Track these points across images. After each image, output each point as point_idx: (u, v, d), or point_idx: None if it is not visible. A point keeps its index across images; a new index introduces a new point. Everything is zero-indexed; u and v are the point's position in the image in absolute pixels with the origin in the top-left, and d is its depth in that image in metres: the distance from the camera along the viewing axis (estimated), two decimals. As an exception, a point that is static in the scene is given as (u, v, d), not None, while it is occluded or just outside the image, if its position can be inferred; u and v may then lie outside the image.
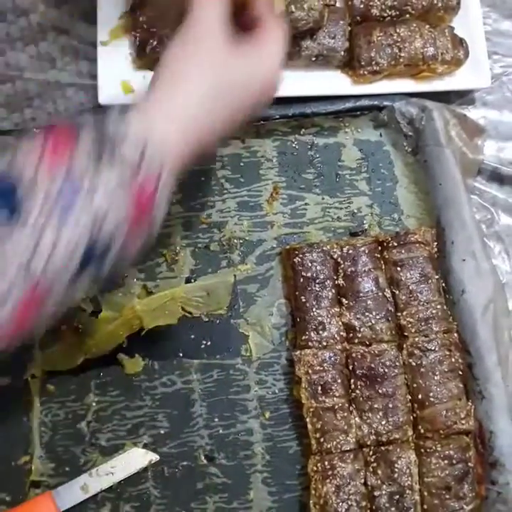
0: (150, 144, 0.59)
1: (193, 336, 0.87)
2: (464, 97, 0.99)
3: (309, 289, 0.84)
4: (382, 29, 0.91)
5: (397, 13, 0.93)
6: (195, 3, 0.65)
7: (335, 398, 0.80)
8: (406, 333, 0.83)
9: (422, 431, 0.80)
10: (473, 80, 0.95)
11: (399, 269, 0.84)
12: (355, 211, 0.91)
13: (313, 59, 0.92)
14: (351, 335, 0.83)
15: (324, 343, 0.82)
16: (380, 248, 0.87)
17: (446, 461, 0.79)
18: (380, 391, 0.80)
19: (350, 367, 0.81)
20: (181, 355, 0.86)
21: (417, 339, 0.82)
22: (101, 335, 0.84)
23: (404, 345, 0.82)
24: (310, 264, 0.84)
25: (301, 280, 0.84)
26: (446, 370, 0.81)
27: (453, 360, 0.82)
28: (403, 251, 0.85)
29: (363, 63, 0.91)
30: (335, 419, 0.79)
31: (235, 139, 0.92)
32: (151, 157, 0.58)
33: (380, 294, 0.83)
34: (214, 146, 0.72)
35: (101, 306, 0.85)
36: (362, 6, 0.93)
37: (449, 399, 0.80)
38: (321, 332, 0.82)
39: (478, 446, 0.81)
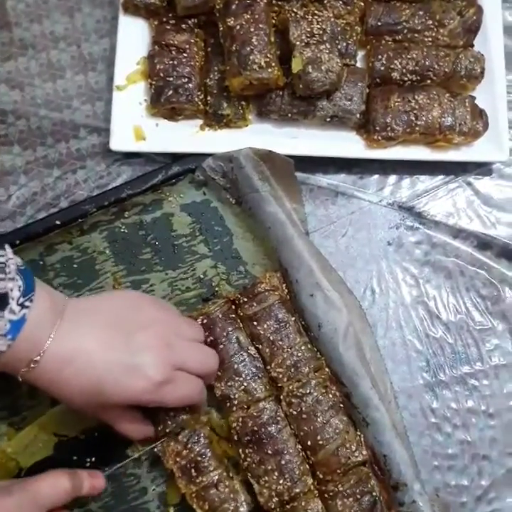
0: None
1: (75, 457, 0.89)
2: (481, 167, 1.03)
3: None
4: (401, 94, 0.98)
5: (419, 78, 1.00)
6: None
7: (210, 473, 0.85)
8: (280, 384, 0.89)
9: (321, 476, 0.86)
10: (490, 153, 1.00)
11: (255, 323, 0.90)
12: (202, 276, 0.96)
13: (328, 120, 0.99)
14: (228, 404, 0.88)
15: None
16: (234, 307, 0.93)
17: (351, 499, 0.84)
18: (269, 451, 0.85)
19: (235, 437, 0.87)
20: (69, 479, 0.88)
21: (290, 387, 0.88)
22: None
23: (281, 397, 0.88)
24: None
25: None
26: (326, 408, 0.87)
27: (331, 395, 0.88)
28: (255, 303, 0.91)
29: (377, 128, 0.98)
30: (218, 492, 0.84)
31: (61, 243, 0.96)
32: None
33: (245, 353, 0.90)
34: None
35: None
36: (383, 68, 1.00)
37: (337, 435, 0.86)
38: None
39: (377, 472, 0.86)
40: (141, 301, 0.84)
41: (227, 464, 0.87)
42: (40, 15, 1.09)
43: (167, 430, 0.85)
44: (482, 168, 1.03)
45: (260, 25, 0.95)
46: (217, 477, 0.85)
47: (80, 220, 0.96)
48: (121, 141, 0.99)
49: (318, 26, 0.96)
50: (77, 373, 0.74)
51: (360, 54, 1.03)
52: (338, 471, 0.85)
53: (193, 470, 0.84)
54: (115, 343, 0.76)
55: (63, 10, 1.10)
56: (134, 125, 1.00)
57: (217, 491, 0.84)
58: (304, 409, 0.87)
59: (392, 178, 1.03)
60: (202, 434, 0.86)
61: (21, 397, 0.91)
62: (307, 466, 0.87)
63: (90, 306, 0.80)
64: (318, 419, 0.86)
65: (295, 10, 0.97)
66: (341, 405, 0.88)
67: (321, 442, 0.86)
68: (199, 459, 0.85)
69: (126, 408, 0.80)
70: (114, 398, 0.76)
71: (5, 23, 1.09)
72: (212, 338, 0.90)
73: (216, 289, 0.96)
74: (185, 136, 1.01)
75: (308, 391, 0.87)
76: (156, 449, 0.86)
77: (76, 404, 0.78)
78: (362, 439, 0.87)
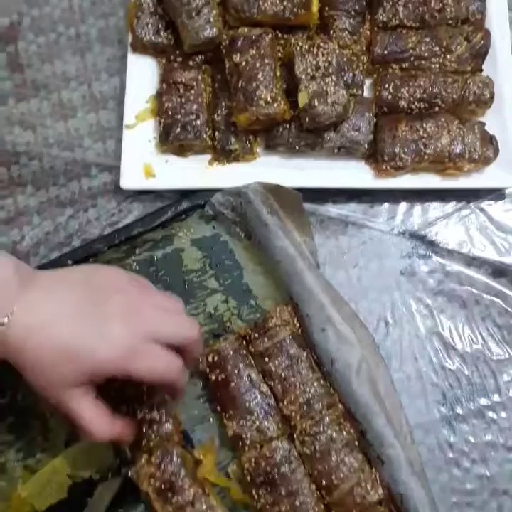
0: None
1: (89, 499, 0.86)
2: (493, 192, 1.00)
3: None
4: (409, 123, 0.95)
5: (427, 105, 0.97)
6: None
7: (186, 492, 0.82)
8: (293, 422, 0.85)
9: (337, 516, 0.83)
10: (502, 179, 0.96)
11: (266, 359, 0.87)
12: (213, 311, 0.93)
13: (336, 151, 0.96)
14: (240, 444, 0.85)
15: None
16: (245, 342, 0.90)
17: (367, 540, 0.81)
18: (283, 492, 0.82)
19: (248, 478, 0.84)
20: (86, 522, 0.85)
21: (304, 425, 0.84)
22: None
23: (295, 435, 0.85)
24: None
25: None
26: (340, 446, 0.83)
27: (344, 433, 0.84)
28: (266, 339, 0.88)
29: (386, 158, 0.95)
30: (195, 510, 0.82)
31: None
32: None
33: (257, 391, 0.86)
34: None
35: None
36: (390, 97, 0.97)
37: (352, 474, 0.82)
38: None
39: (393, 512, 0.83)
40: (113, 272, 0.81)
41: (202, 480, 0.85)
42: (52, 55, 1.08)
43: (148, 418, 0.84)
44: (495, 194, 1.00)
45: (266, 61, 0.93)
46: (192, 495, 0.82)
47: (91, 260, 0.94)
48: (131, 179, 0.98)
49: (324, 59, 0.93)
50: (43, 343, 0.71)
51: (368, 82, 1.01)
52: (354, 511, 0.82)
53: (168, 491, 0.82)
54: (84, 311, 0.73)
55: (74, 50, 1.08)
56: (144, 163, 0.98)
57: (193, 508, 0.82)
58: (317, 448, 0.84)
59: (403, 206, 1.00)
60: (175, 453, 0.83)
61: (36, 439, 0.89)
62: (322, 506, 0.83)
63: (59, 275, 0.78)
64: (333, 458, 0.83)
65: (300, 43, 0.95)
66: (356, 443, 0.84)
67: (335, 482, 0.82)
68: (173, 478, 0.82)
69: (95, 399, 0.75)
70: (82, 367, 0.72)
71: (17, 65, 1.08)
72: (223, 375, 0.87)
73: (227, 324, 0.93)
74: (195, 172, 0.99)
75: (321, 429, 0.84)
76: (129, 473, 0.84)
77: (41, 380, 0.73)
78: (377, 477, 0.83)
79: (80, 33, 1.09)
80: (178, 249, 0.97)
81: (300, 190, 0.94)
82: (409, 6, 0.99)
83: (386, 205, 1.00)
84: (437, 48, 0.98)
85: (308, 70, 0.93)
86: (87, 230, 1.01)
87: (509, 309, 0.95)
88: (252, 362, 0.89)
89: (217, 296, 0.95)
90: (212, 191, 0.96)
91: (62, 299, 0.74)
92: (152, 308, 0.77)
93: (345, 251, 0.99)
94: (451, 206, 1.00)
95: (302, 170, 0.98)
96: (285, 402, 0.86)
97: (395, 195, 1.00)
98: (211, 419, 0.90)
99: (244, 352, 0.89)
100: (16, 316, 0.70)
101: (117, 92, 1.06)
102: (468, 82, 0.96)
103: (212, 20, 0.96)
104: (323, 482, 0.83)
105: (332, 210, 1.00)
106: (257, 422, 0.85)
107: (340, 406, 0.86)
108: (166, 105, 0.98)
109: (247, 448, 0.85)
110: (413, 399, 0.92)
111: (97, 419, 0.75)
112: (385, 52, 0.99)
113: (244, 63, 0.94)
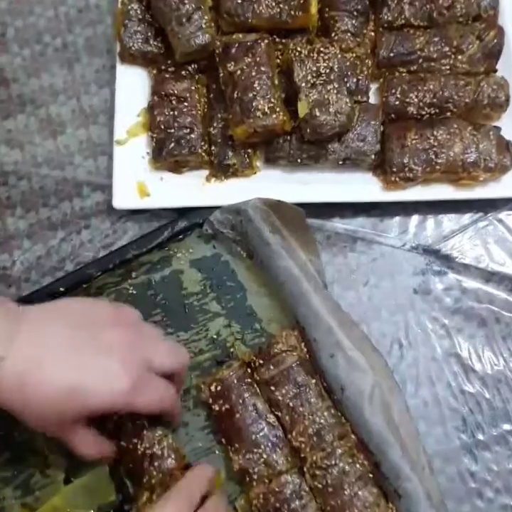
0: None
1: None
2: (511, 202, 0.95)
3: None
4: (418, 131, 0.91)
5: (437, 110, 0.93)
6: None
7: None
8: (302, 455, 0.82)
9: (349, 552, 0.79)
10: (520, 187, 0.92)
11: (273, 388, 0.84)
12: (215, 337, 0.90)
13: (341, 163, 0.92)
14: (248, 479, 0.82)
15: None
16: (249, 370, 0.86)
17: None
18: None
19: None
20: (87, 560, 0.83)
21: (314, 458, 0.81)
22: None
23: (305, 468, 0.81)
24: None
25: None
26: (354, 479, 0.80)
27: (358, 465, 0.81)
28: (271, 366, 0.84)
29: (394, 169, 0.91)
30: None
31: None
32: None
33: (263, 422, 0.83)
34: None
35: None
36: (398, 102, 0.93)
37: (367, 509, 0.79)
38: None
39: (408, 551, 0.79)
40: (99, 304, 0.81)
41: None
42: (38, 68, 1.04)
43: (148, 453, 0.81)
44: (513, 203, 0.96)
45: (262, 68, 0.90)
46: None
47: (85, 285, 0.91)
48: (124, 198, 0.94)
49: (325, 64, 0.89)
50: (42, 383, 0.70)
51: (374, 88, 0.97)
52: (370, 547, 0.78)
53: None
54: (80, 346, 0.72)
55: (62, 62, 1.04)
56: (138, 181, 0.95)
57: None
58: (329, 481, 0.80)
59: (415, 219, 0.96)
60: None
61: (34, 476, 0.86)
62: (334, 543, 0.79)
63: (47, 310, 0.76)
64: (346, 492, 0.79)
65: (299, 48, 0.91)
66: (370, 475, 0.81)
67: (349, 517, 0.79)
68: None
69: (87, 426, 0.76)
70: (84, 407, 0.72)
71: (2, 79, 1.04)
72: (227, 406, 0.84)
73: (231, 349, 0.90)
74: (192, 189, 0.95)
75: (333, 462, 0.80)
76: (132, 511, 0.83)
77: (40, 419, 0.73)
78: (394, 512, 0.80)
79: (67, 43, 1.05)
80: (176, 271, 0.93)
81: (304, 205, 0.91)
82: (416, 3, 0.95)
83: (397, 218, 0.97)
84: (447, 49, 0.94)
85: (309, 77, 0.89)
86: (80, 253, 0.97)
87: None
88: (258, 391, 0.86)
89: (220, 320, 0.91)
90: (211, 209, 0.92)
91: (56, 333, 0.73)
92: (144, 338, 0.77)
93: (355, 269, 0.95)
94: (466, 218, 0.97)
95: (305, 184, 0.95)
96: (294, 434, 0.83)
97: (406, 208, 0.96)
98: (216, 451, 0.87)
99: (249, 380, 0.86)
100: (8, 360, 0.69)
101: (108, 105, 1.02)
102: (482, 84, 0.92)
103: (204, 26, 0.92)
104: (336, 517, 0.80)
105: (339, 225, 0.96)
106: (265, 455, 0.82)
107: (353, 436, 0.82)
108: (158, 119, 0.95)
109: (254, 483, 0.82)
110: (431, 426, 0.89)
111: (87, 444, 0.77)
112: (391, 54, 0.94)
113: (239, 72, 0.90)
